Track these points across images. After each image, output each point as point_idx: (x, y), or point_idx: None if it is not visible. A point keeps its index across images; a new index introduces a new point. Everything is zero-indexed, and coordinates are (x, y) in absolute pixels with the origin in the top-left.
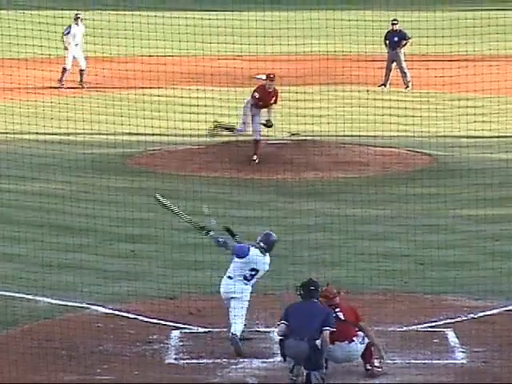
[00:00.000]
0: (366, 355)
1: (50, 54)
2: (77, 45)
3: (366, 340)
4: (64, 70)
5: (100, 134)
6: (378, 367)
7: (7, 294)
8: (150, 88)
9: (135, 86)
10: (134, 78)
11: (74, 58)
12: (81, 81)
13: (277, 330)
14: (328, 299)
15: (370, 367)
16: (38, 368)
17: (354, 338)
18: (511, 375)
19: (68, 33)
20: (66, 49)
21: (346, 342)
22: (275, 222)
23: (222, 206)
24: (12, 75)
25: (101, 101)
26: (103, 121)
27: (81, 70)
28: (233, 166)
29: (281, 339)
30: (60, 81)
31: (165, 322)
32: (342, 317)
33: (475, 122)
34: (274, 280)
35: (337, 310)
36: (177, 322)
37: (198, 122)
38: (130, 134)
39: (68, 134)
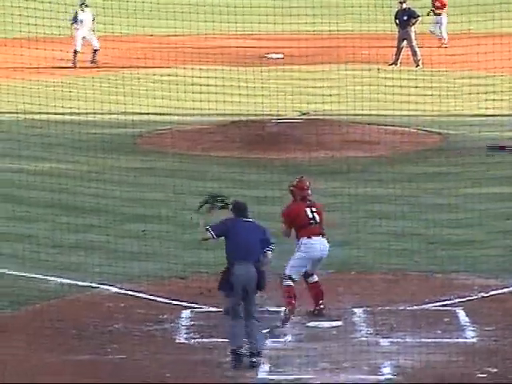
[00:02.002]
0: (320, 293)
1: (59, 34)
2: (88, 30)
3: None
4: (75, 52)
5: (110, 113)
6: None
7: (18, 273)
8: (160, 67)
9: (145, 66)
10: (143, 58)
11: (84, 38)
12: (93, 60)
13: (202, 235)
14: (302, 190)
15: (322, 305)
16: (49, 348)
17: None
18: None
19: (75, 21)
20: (74, 34)
21: (321, 236)
22: (286, 201)
23: (231, 186)
24: (22, 55)
25: (111, 80)
26: (113, 101)
27: (94, 50)
28: (242, 145)
29: (225, 270)
30: (73, 63)
31: (175, 302)
32: (318, 219)
33: (486, 100)
34: (282, 260)
35: (313, 210)
36: (187, 302)
37: (208, 101)
38: (139, 113)
39: (78, 114)
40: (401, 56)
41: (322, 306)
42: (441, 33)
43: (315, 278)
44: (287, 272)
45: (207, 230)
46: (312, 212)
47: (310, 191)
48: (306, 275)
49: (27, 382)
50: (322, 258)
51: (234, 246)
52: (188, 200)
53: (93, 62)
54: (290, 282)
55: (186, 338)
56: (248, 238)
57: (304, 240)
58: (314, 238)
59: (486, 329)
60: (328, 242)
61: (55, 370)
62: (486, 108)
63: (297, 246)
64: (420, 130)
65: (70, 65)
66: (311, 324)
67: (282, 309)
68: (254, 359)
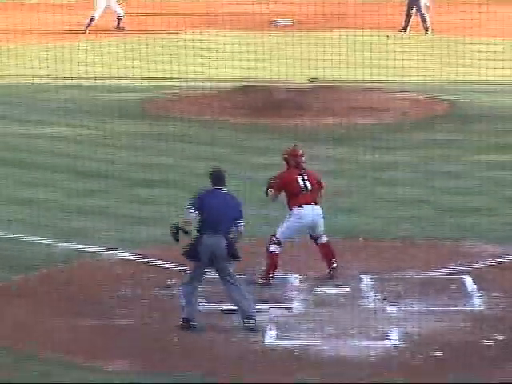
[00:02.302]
0: (331, 253)
1: (76, 1)
2: None
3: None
4: (92, 18)
5: (118, 78)
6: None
7: (25, 238)
8: (169, 32)
9: (153, 31)
10: (152, 23)
11: (106, 7)
12: (118, 26)
13: (184, 216)
14: (296, 157)
15: (335, 263)
16: (57, 313)
17: (318, 204)
18: None
19: None
20: (96, 1)
21: (313, 204)
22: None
23: (239, 152)
24: (31, 18)
25: (119, 45)
26: (121, 65)
27: (118, 18)
28: (251, 111)
29: (195, 240)
30: (86, 27)
31: (183, 267)
32: (309, 187)
33: (495, 67)
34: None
35: (305, 177)
36: None
37: (216, 67)
38: (148, 78)
39: (86, 79)
40: (410, 23)
41: (334, 265)
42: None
43: (323, 239)
44: (277, 235)
45: (189, 210)
46: (304, 180)
47: (303, 158)
48: (315, 238)
49: (37, 348)
50: (317, 224)
51: (207, 218)
52: (196, 165)
53: (118, 27)
54: (276, 249)
55: None
56: (220, 211)
57: (295, 210)
58: (304, 206)
59: (493, 296)
60: (335, 211)
61: (64, 335)
62: (495, 75)
63: (288, 214)
64: (428, 97)
65: (83, 29)
66: (318, 290)
67: (289, 273)
68: (247, 323)
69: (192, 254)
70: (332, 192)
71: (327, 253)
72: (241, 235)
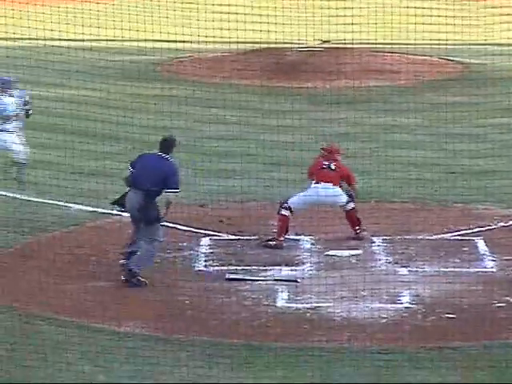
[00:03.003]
0: (353, 221)
1: None
2: None
3: (352, 205)
4: None
5: (130, 40)
6: (364, 230)
7: (38, 200)
8: None
9: None
10: None
11: None
12: None
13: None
14: (329, 153)
15: (358, 231)
16: (69, 274)
17: (339, 186)
18: None
19: None
20: None
21: (331, 184)
22: (306, 130)
23: (251, 115)
24: None
25: (131, 7)
26: (133, 28)
27: None
28: (263, 73)
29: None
30: None
31: (195, 230)
32: (333, 167)
33: (509, 30)
34: (302, 189)
35: (332, 162)
36: (207, 230)
37: (228, 29)
38: (160, 41)
39: (98, 41)
40: None
41: (358, 231)
42: None
43: (349, 206)
44: (289, 201)
45: (129, 169)
46: (329, 162)
47: (338, 156)
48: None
49: (50, 310)
50: (331, 202)
51: (133, 175)
52: (208, 128)
53: None
54: (287, 212)
55: (204, 266)
56: (146, 171)
57: (312, 184)
58: (322, 183)
59: (505, 258)
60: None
61: (77, 296)
62: (509, 37)
63: (307, 186)
64: (442, 59)
65: None
66: (330, 252)
67: (301, 236)
68: (124, 276)
69: (118, 202)
70: (344, 154)
71: (350, 220)
72: (169, 203)
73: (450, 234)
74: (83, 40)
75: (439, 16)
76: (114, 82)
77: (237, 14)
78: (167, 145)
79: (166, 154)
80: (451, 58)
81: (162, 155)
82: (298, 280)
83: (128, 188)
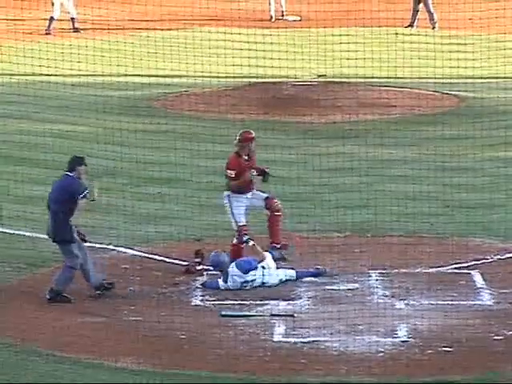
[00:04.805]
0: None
1: None
2: None
3: None
4: (51, 18)
5: (126, 75)
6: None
7: (33, 235)
8: (177, 29)
9: (161, 28)
10: (160, 20)
11: (61, 5)
12: (73, 28)
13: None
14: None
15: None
16: (65, 309)
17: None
18: None
19: None
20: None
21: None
22: (302, 164)
23: None
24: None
25: (127, 42)
26: (129, 63)
27: (72, 18)
28: (259, 107)
29: None
30: (47, 29)
31: (192, 263)
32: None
33: (505, 64)
34: (301, 223)
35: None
36: (203, 264)
37: (225, 65)
38: (156, 76)
39: (93, 76)
40: (417, 18)
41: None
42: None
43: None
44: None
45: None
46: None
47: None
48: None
49: (44, 346)
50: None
51: (49, 197)
52: (204, 163)
53: (73, 29)
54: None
55: (201, 300)
56: (52, 191)
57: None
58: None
59: (502, 291)
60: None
61: (72, 332)
62: (505, 72)
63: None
64: (437, 93)
65: (45, 31)
66: (327, 286)
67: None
68: (48, 294)
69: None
70: (341, 188)
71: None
72: (82, 209)
73: (446, 268)
74: (78, 75)
75: (435, 51)
76: (109, 116)
77: (233, 49)
78: (71, 162)
79: (69, 171)
80: (446, 92)
81: (66, 173)
82: (295, 315)
83: None
